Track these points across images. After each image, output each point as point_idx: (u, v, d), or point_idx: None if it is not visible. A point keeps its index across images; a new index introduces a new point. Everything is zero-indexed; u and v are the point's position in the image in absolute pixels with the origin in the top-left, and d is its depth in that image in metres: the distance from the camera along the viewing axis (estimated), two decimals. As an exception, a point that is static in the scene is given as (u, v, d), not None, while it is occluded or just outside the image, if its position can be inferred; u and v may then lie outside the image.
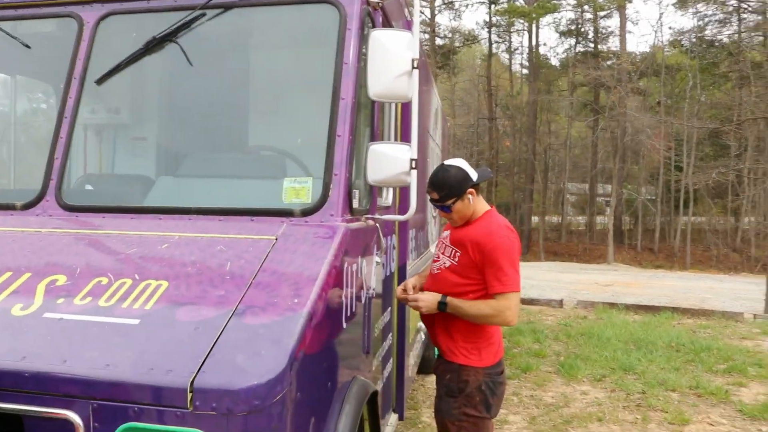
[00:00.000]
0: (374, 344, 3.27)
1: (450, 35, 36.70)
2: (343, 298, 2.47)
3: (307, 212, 2.59)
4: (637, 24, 61.83)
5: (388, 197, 3.77)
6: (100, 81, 3.02)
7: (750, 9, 29.00)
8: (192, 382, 1.83)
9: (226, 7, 2.96)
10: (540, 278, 17.07)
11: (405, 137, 3.69)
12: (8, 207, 2.94)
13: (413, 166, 2.76)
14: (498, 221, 3.27)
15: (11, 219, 2.84)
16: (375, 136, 3.20)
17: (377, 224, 3.14)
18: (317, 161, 2.68)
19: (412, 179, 2.78)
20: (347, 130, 2.68)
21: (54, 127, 2.97)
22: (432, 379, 4.32)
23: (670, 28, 49.04)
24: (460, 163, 3.29)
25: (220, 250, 2.39)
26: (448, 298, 3.18)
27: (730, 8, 30.00)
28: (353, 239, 2.63)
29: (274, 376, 1.86)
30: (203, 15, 2.95)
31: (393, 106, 3.37)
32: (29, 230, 2.72)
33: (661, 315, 11.35)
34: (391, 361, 4.23)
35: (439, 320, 3.34)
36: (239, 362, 1.89)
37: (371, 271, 3.07)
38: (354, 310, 2.66)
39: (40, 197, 2.89)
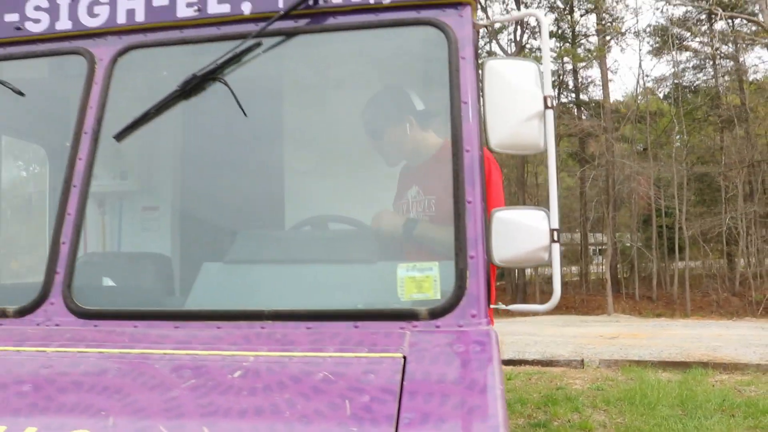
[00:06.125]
0: None
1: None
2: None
3: (436, 313, 1.81)
4: (616, 72, 62.47)
5: None
6: (120, 136, 2.24)
7: (722, 56, 29.33)
8: None
9: (290, 35, 2.21)
10: (543, 333, 16.14)
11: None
12: None
13: (555, 238, 2.01)
14: None
15: (1, 331, 2.01)
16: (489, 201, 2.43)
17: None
18: (442, 238, 1.91)
19: (554, 256, 2.03)
20: (478, 194, 1.92)
21: (58, 199, 2.15)
22: None
23: (647, 75, 49.56)
24: None
25: (324, 380, 1.57)
26: None
27: (703, 56, 30.39)
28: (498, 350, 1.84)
29: None
30: (258, 45, 2.20)
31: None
32: (28, 349, 1.88)
33: (693, 371, 10.55)
34: None
35: None
36: None
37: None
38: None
39: (41, 298, 2.05)
